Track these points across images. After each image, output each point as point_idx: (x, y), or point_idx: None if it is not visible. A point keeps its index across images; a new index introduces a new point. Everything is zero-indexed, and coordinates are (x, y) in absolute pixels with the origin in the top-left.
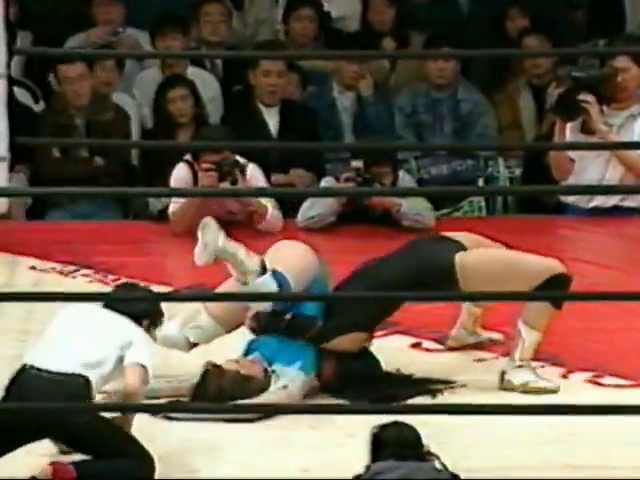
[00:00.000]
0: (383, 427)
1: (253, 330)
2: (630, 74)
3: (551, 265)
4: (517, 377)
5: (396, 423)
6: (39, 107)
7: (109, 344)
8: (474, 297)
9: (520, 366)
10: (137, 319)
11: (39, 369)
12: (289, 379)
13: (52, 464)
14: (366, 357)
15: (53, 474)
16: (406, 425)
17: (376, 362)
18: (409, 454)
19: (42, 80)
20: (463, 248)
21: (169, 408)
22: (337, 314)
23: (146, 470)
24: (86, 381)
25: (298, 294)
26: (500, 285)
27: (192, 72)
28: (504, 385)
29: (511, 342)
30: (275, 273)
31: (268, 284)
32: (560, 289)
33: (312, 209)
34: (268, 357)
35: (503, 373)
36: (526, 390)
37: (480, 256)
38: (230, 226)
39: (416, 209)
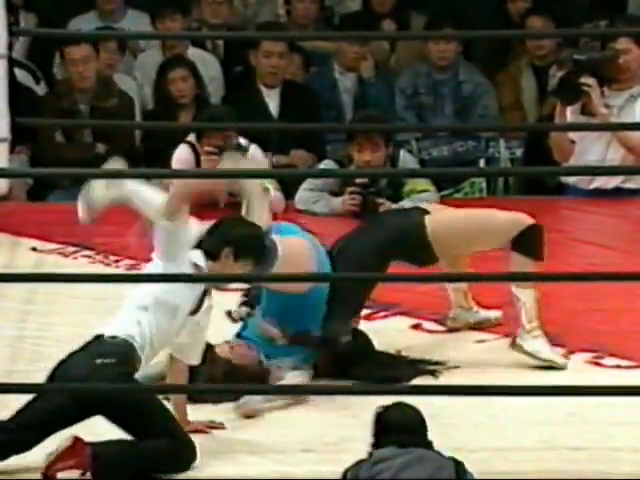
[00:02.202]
0: (387, 409)
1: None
2: (631, 55)
3: (519, 218)
4: (529, 344)
5: (400, 404)
6: (40, 89)
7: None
8: (461, 278)
9: (536, 336)
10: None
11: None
12: (292, 368)
13: (75, 438)
14: (357, 338)
15: (72, 451)
16: (411, 407)
17: (368, 341)
18: (413, 440)
19: (45, 63)
20: (426, 212)
21: (188, 389)
22: (332, 308)
23: (182, 453)
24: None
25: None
26: (473, 243)
27: (192, 53)
28: (514, 348)
29: (513, 312)
30: None
31: None
32: (534, 240)
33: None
34: (265, 350)
35: (514, 338)
36: (534, 355)
37: (449, 216)
38: (231, 208)
39: (419, 200)
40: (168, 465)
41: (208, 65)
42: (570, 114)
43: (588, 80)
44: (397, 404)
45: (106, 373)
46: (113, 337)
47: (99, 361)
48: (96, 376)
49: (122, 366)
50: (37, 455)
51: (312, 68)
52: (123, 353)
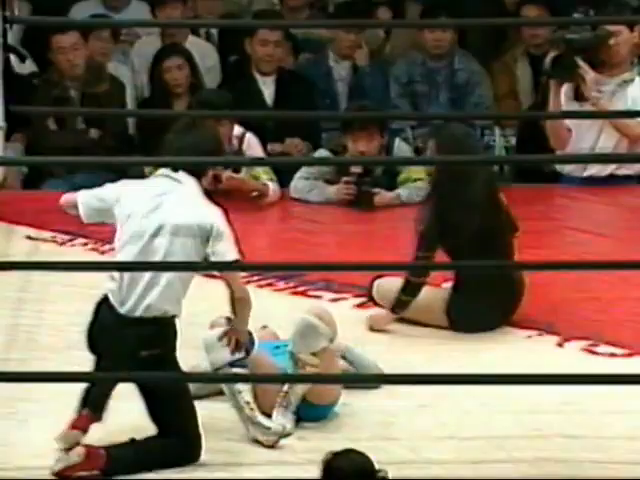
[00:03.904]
0: (335, 456)
1: None
2: (622, 37)
3: None
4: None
5: (349, 452)
6: (26, 68)
7: None
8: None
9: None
10: None
11: None
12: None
13: (85, 446)
14: None
15: (86, 457)
16: (360, 454)
17: None
18: None
19: (40, 53)
20: None
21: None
22: None
23: (189, 453)
24: None
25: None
26: None
27: (192, 41)
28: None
29: None
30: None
31: None
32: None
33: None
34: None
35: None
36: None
37: None
38: (227, 195)
39: (416, 189)
40: (176, 462)
41: (206, 54)
42: (564, 101)
43: (581, 64)
44: (346, 451)
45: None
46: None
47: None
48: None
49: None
50: (37, 456)
51: (304, 54)
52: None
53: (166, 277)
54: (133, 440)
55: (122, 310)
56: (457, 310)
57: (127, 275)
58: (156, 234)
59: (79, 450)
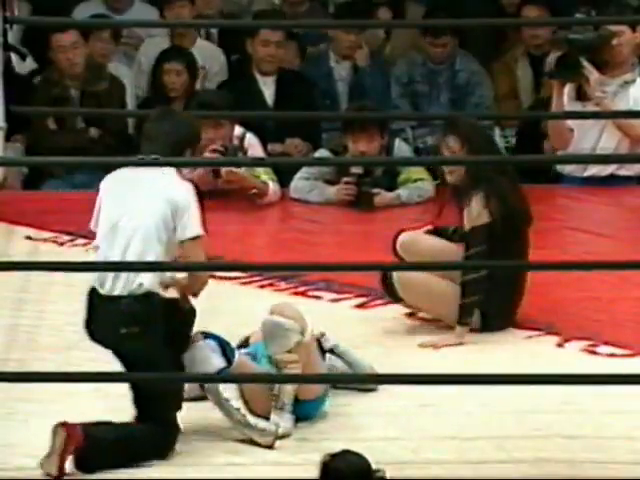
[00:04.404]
0: (333, 458)
1: None
2: (624, 38)
3: None
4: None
5: (346, 453)
6: (27, 67)
7: None
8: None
9: None
10: None
11: None
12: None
13: (63, 425)
14: None
15: (66, 435)
16: (357, 455)
17: None
18: None
19: (40, 52)
20: None
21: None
22: None
23: (165, 439)
24: None
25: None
26: None
27: (199, 44)
28: None
29: None
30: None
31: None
32: None
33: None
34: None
35: None
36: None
37: None
38: (227, 197)
39: (416, 189)
40: (153, 452)
41: (214, 58)
42: (566, 101)
43: (585, 64)
44: (343, 452)
45: None
46: None
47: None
48: None
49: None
50: (37, 456)
51: (309, 48)
52: None
53: (137, 254)
54: (110, 422)
55: (103, 291)
56: (489, 307)
57: (101, 256)
58: (126, 211)
59: (59, 431)
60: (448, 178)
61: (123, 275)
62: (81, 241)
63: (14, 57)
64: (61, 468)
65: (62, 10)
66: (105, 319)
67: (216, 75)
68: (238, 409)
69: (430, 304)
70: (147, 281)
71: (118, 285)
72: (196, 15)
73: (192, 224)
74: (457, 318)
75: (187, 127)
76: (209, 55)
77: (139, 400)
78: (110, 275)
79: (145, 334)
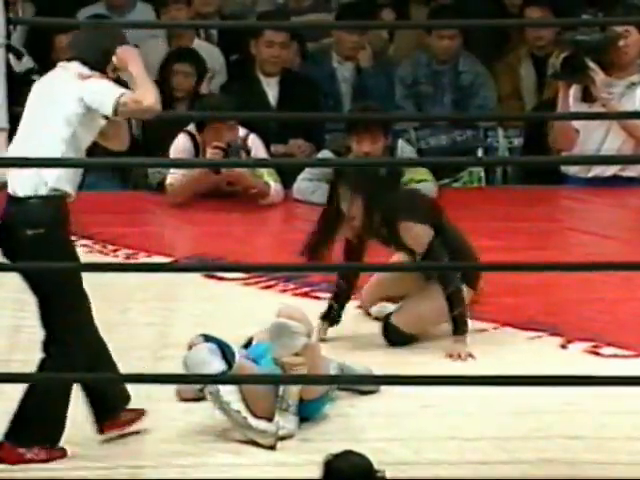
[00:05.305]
0: (335, 458)
1: None
2: (631, 39)
3: None
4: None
5: (348, 453)
6: (23, 65)
7: None
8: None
9: None
10: None
11: None
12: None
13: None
14: None
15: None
16: (359, 455)
17: None
18: None
19: (44, 55)
20: None
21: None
22: None
23: (74, 361)
24: None
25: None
26: None
27: (198, 44)
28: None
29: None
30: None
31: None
32: None
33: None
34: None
35: None
36: None
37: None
38: (230, 198)
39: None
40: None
41: (213, 58)
42: (572, 102)
43: (591, 65)
44: (345, 453)
45: None
46: None
47: None
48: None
49: None
50: None
51: (310, 45)
52: None
53: (41, 153)
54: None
55: (10, 191)
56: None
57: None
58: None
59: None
60: (351, 234)
61: (23, 174)
62: (84, 242)
63: (11, 57)
64: None
65: (66, 12)
66: (10, 221)
67: (216, 74)
68: (238, 411)
69: (432, 323)
70: (52, 181)
71: (17, 185)
72: (195, 15)
73: (109, 86)
74: (453, 330)
75: (108, 37)
76: (208, 55)
77: (45, 314)
78: (12, 173)
79: (50, 236)
